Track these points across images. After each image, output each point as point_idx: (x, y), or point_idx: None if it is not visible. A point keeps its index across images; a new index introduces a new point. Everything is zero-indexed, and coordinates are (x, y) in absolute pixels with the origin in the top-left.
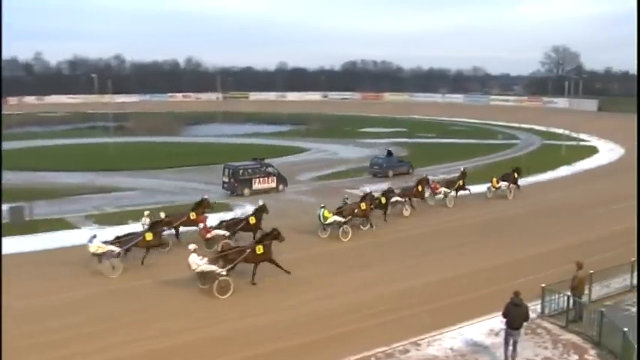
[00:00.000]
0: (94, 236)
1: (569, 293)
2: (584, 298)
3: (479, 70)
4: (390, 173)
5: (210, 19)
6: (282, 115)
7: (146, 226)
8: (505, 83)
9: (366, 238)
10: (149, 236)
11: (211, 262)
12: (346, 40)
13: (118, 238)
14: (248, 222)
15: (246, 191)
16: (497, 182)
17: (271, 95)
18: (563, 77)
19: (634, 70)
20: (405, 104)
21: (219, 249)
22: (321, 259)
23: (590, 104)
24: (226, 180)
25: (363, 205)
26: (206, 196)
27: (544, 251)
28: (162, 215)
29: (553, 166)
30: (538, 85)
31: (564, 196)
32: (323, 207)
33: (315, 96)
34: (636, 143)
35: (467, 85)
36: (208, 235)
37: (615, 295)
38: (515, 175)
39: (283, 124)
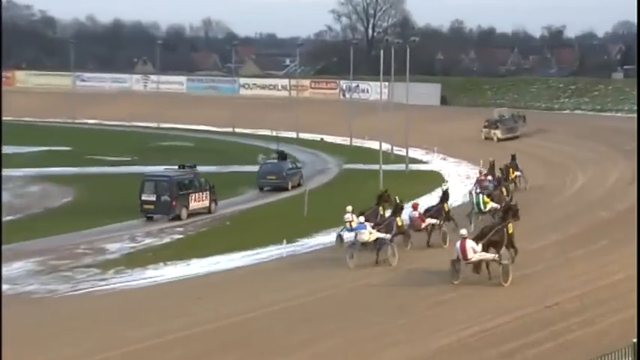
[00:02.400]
0: (361, 224)
1: None
2: None
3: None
4: (290, 184)
5: None
6: None
7: (351, 221)
8: (269, 54)
9: None
10: (400, 222)
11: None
12: None
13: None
14: (442, 209)
15: (184, 213)
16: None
17: None
18: (376, 42)
19: (503, 27)
20: (61, 94)
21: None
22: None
23: (428, 93)
24: (152, 198)
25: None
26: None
27: None
28: (350, 208)
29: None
30: (327, 57)
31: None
32: (479, 193)
33: None
34: (636, 143)
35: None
36: (423, 225)
37: None
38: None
39: None
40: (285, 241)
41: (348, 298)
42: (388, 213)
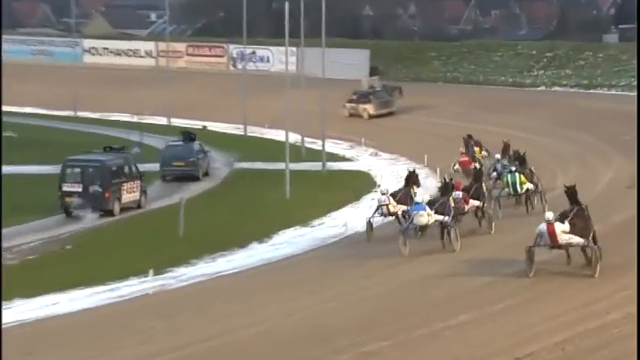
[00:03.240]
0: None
1: None
2: None
3: None
4: (201, 172)
5: None
6: None
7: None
8: (127, 5)
9: None
10: (453, 202)
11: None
12: None
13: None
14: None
15: (117, 207)
16: None
17: None
18: None
19: None
20: None
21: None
22: None
23: (353, 62)
24: (78, 189)
25: None
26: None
27: None
28: (385, 189)
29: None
30: (210, 11)
31: None
32: (515, 171)
33: None
34: (636, 142)
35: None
36: (467, 207)
37: None
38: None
39: None
40: (151, 271)
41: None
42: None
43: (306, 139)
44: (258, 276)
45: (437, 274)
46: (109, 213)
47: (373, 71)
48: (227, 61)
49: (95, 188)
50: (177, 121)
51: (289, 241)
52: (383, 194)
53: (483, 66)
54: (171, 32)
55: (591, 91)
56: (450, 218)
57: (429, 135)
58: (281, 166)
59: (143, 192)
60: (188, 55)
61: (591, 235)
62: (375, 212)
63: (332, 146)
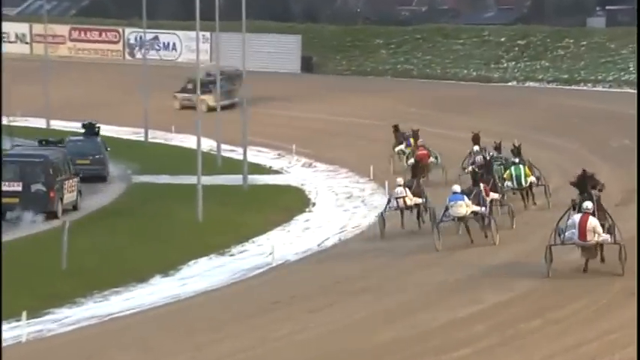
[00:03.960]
0: (459, 193)
1: None
2: None
3: None
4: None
5: None
6: None
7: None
8: None
9: None
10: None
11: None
12: None
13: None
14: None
15: (60, 208)
16: None
17: None
18: None
19: None
20: None
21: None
22: None
23: (281, 51)
24: (17, 188)
25: None
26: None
27: None
28: (401, 180)
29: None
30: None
31: None
32: (519, 163)
33: None
34: (636, 141)
35: None
36: (488, 199)
37: None
38: None
39: None
40: (24, 313)
41: None
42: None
43: (223, 146)
44: (162, 317)
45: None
46: (53, 215)
47: (306, 63)
48: (122, 48)
49: (38, 187)
50: (58, 124)
51: (202, 274)
52: (399, 186)
53: (441, 56)
54: (50, 11)
55: (573, 87)
56: (488, 209)
57: (374, 142)
58: (191, 180)
59: (79, 192)
60: (72, 40)
61: (614, 230)
62: (387, 206)
63: (256, 155)
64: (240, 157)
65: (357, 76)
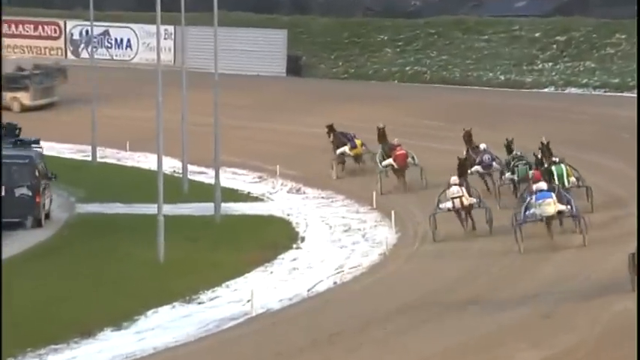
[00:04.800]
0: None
1: None
2: None
3: None
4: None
5: None
6: None
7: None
8: None
9: None
10: None
11: None
12: None
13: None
14: None
15: (44, 216)
16: None
17: None
18: None
19: None
20: None
21: None
22: None
23: (263, 49)
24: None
25: None
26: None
27: None
28: (456, 179)
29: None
30: None
31: None
32: (559, 163)
33: None
34: (636, 142)
35: None
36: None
37: None
38: None
39: None
40: None
41: None
42: None
43: (190, 167)
44: None
45: None
46: (38, 223)
47: (293, 64)
48: (64, 45)
49: (23, 192)
50: None
51: (163, 326)
52: (454, 185)
53: (461, 56)
54: None
55: (624, 94)
56: (574, 208)
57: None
58: (151, 209)
59: (49, 197)
60: (7, 36)
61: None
62: (438, 206)
63: (231, 178)
64: (212, 181)
65: (355, 81)
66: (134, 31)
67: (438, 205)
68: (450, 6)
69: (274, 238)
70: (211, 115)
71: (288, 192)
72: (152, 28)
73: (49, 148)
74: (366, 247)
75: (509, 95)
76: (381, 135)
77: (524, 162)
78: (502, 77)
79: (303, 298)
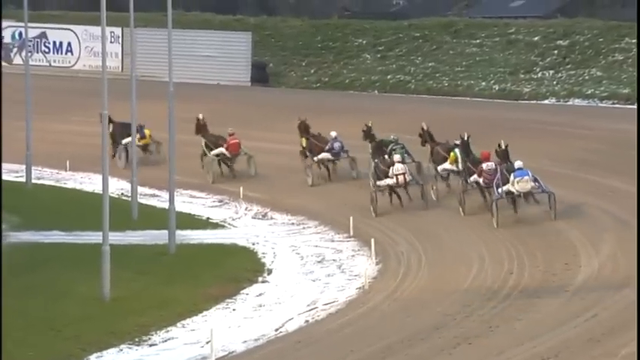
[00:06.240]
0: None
1: None
2: None
3: None
4: None
5: None
6: None
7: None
8: None
9: None
10: None
11: None
12: None
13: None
14: None
15: None
16: None
17: None
18: None
19: None
20: None
21: None
22: None
23: (225, 55)
24: None
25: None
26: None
27: None
28: (399, 157)
29: None
30: None
31: None
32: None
33: None
34: (636, 139)
35: None
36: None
37: None
38: None
39: None
40: None
41: None
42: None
43: (140, 189)
44: None
45: None
46: None
47: (259, 71)
48: None
49: None
50: None
51: None
52: (398, 162)
53: (449, 63)
54: None
55: (635, 106)
56: (543, 185)
57: (354, 183)
58: (95, 238)
59: None
60: None
61: None
62: (376, 183)
63: (187, 202)
64: (165, 205)
65: (330, 91)
66: (75, 34)
67: (376, 182)
68: (437, 6)
69: (237, 270)
70: (165, 130)
71: (253, 217)
72: (96, 30)
73: None
74: (343, 280)
75: (504, 107)
76: (202, 126)
77: (400, 146)
78: (496, 87)
79: (270, 338)
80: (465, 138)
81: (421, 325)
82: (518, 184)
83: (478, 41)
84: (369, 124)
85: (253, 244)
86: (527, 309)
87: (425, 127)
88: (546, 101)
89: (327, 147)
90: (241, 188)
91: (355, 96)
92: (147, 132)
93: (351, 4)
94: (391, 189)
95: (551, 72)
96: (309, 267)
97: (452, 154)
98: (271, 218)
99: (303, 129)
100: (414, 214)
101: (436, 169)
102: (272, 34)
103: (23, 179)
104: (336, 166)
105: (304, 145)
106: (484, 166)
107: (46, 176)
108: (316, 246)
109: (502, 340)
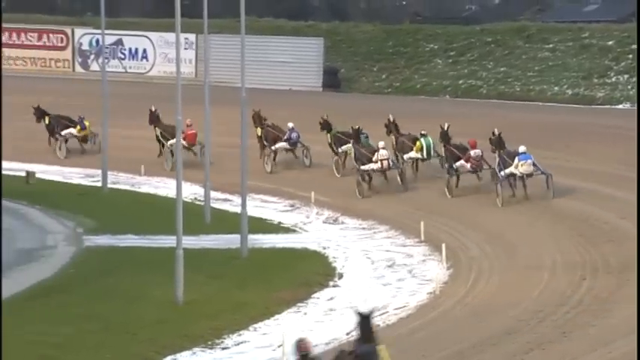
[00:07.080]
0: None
1: None
2: None
3: None
4: None
5: None
6: None
7: None
8: None
9: None
10: None
11: None
12: None
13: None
14: None
15: None
16: None
17: None
18: None
19: None
20: None
21: None
22: None
23: (298, 61)
24: None
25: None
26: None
27: None
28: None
29: None
30: None
31: None
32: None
33: None
34: (636, 137)
35: None
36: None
37: None
38: None
39: None
40: None
41: None
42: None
43: (213, 193)
44: None
45: None
46: None
47: (331, 76)
48: (72, 57)
49: None
50: None
51: None
52: (383, 148)
53: (522, 68)
54: None
55: None
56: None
57: (426, 188)
58: (169, 242)
59: None
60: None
61: None
62: (360, 168)
63: (259, 206)
64: (238, 210)
65: (401, 96)
66: (151, 40)
67: (360, 167)
68: (510, 11)
69: (308, 274)
70: (238, 135)
71: (324, 222)
72: (171, 36)
73: (55, 172)
74: (414, 284)
75: (577, 112)
76: (155, 117)
77: (365, 135)
78: (569, 92)
79: (341, 342)
80: (445, 128)
81: (493, 331)
82: (522, 167)
83: (551, 46)
84: (325, 117)
85: (324, 248)
86: (601, 315)
87: (391, 119)
88: (620, 106)
89: (285, 137)
90: (313, 193)
91: (427, 101)
92: (86, 123)
93: (423, 10)
94: (369, 175)
95: (626, 76)
96: (380, 271)
97: (417, 143)
98: (342, 223)
99: (258, 119)
100: (484, 216)
101: (402, 157)
102: (344, 39)
103: (99, 184)
104: (294, 153)
105: (259, 134)
106: (472, 153)
107: (121, 181)
108: (387, 250)
109: (576, 346)
